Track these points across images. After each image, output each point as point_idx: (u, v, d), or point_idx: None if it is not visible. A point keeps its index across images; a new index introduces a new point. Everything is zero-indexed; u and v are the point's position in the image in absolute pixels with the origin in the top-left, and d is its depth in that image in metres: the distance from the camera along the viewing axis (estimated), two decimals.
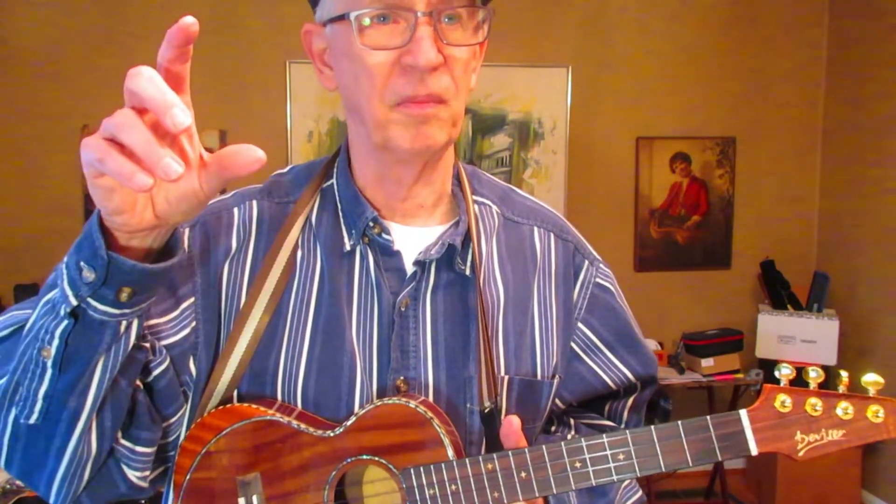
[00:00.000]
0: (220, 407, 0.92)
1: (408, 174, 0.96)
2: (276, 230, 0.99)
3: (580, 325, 1.07)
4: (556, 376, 1.05)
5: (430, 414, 0.87)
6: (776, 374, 0.84)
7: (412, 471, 0.86)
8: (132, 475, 0.90)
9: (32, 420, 0.78)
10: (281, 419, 0.90)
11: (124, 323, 0.76)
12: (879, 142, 3.99)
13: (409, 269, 0.98)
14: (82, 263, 0.72)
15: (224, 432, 0.90)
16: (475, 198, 1.06)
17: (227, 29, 3.92)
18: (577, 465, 0.83)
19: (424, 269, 0.98)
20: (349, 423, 0.89)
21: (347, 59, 0.90)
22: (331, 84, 0.97)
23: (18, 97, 3.84)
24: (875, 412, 0.81)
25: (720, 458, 0.82)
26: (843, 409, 0.81)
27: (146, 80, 0.65)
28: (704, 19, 4.32)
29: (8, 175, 3.85)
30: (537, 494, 0.84)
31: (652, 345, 4.12)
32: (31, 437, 0.81)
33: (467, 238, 1.00)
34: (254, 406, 0.91)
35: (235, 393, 0.95)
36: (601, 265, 1.10)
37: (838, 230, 4.34)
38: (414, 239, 1.00)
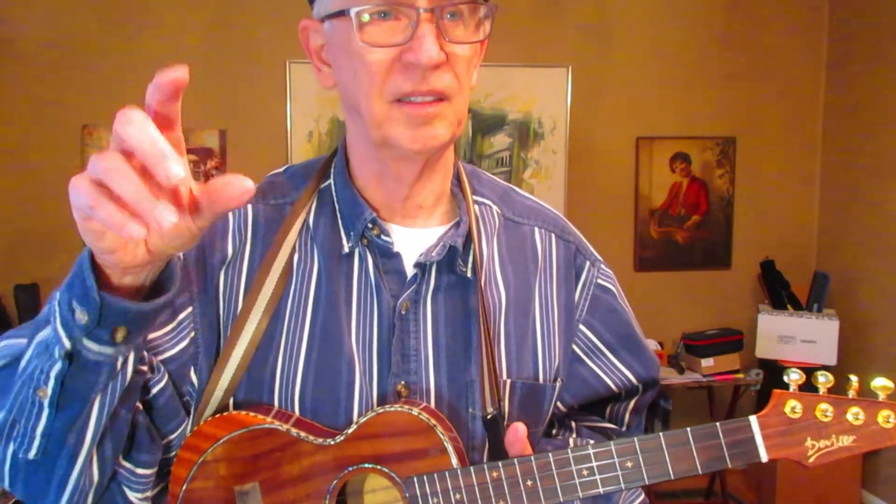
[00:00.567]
0: (217, 415, 0.90)
1: (408, 172, 0.94)
2: (272, 234, 0.97)
3: (582, 326, 1.06)
4: (558, 379, 1.04)
5: (433, 421, 0.86)
6: (785, 378, 0.83)
7: (415, 479, 0.84)
8: (133, 497, 0.88)
9: (31, 456, 0.76)
10: (279, 427, 0.88)
11: (121, 359, 0.74)
12: (879, 142, 3.98)
13: (410, 271, 0.96)
14: (75, 304, 0.70)
15: (221, 441, 0.88)
16: (475, 198, 1.04)
17: (227, 29, 3.90)
18: (585, 472, 0.82)
19: (425, 271, 0.96)
20: (350, 430, 0.87)
21: (346, 56, 0.88)
22: (329, 82, 0.95)
23: (18, 97, 3.82)
24: (886, 417, 0.80)
25: (730, 466, 0.81)
26: (854, 414, 0.80)
27: (136, 128, 0.61)
28: (704, 19, 4.31)
29: (8, 175, 3.84)
30: (543, 503, 0.83)
31: (652, 345, 4.11)
32: (31, 471, 0.79)
33: (468, 239, 0.98)
34: (251, 414, 0.89)
35: (232, 400, 0.93)
36: (602, 266, 1.09)
37: (838, 230, 4.33)
38: (414, 240, 0.98)
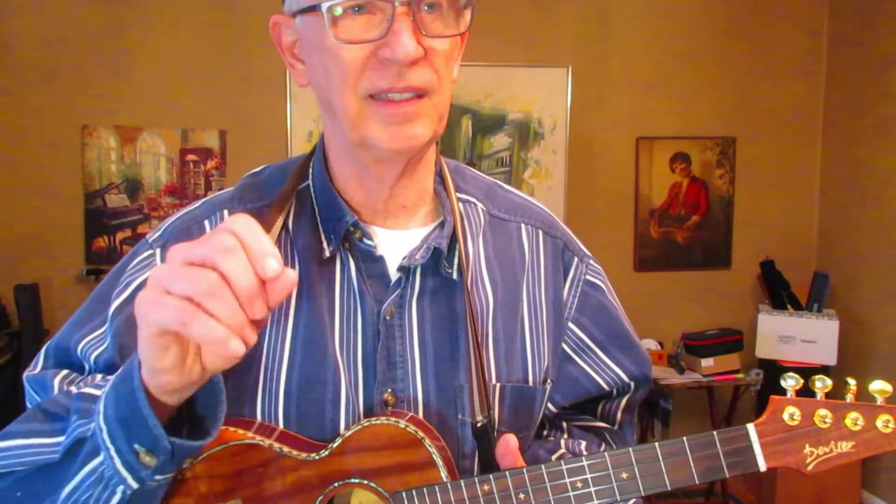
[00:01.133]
0: None
1: (389, 173, 0.90)
2: None
3: (571, 325, 1.03)
4: (548, 381, 1.01)
5: (420, 433, 0.83)
6: (783, 384, 0.81)
7: (404, 494, 0.82)
8: None
9: None
10: (261, 442, 0.84)
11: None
12: (879, 141, 3.97)
13: (394, 275, 0.93)
14: (138, 447, 0.70)
15: (201, 457, 0.84)
16: (460, 195, 1.00)
17: (227, 29, 3.89)
18: (579, 485, 0.80)
19: (409, 274, 0.93)
20: (335, 444, 0.84)
21: (318, 52, 0.84)
22: (303, 79, 0.91)
23: (18, 97, 3.82)
24: (886, 422, 0.79)
25: (727, 475, 0.79)
26: (853, 419, 0.79)
27: (244, 227, 0.64)
28: (704, 19, 4.30)
29: (8, 175, 3.83)
30: None
31: (652, 345, 4.11)
32: None
33: (453, 240, 0.94)
34: (231, 429, 0.85)
35: None
36: (591, 261, 1.06)
37: (838, 230, 4.32)
38: (397, 243, 0.95)
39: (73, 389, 0.85)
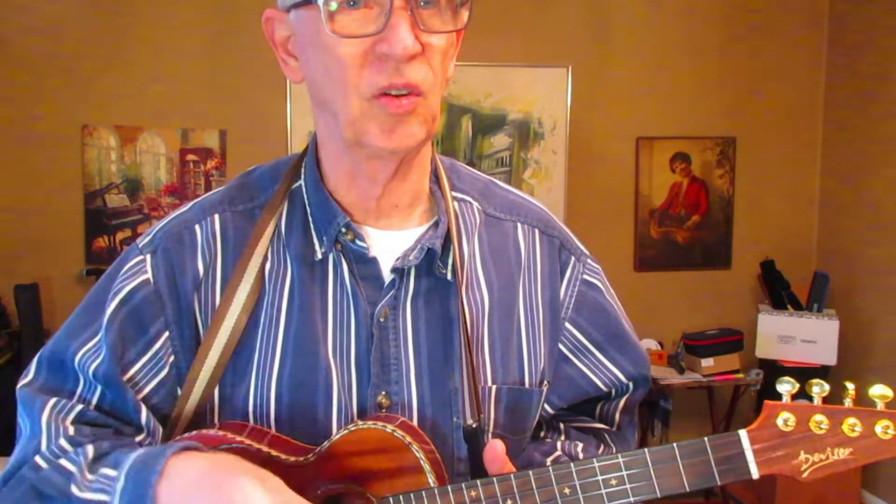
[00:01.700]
0: (187, 434, 0.87)
1: (383, 171, 0.89)
2: (242, 243, 0.92)
3: (568, 325, 1.01)
4: (545, 382, 1.00)
5: (408, 438, 0.82)
6: (778, 388, 0.79)
7: (391, 499, 0.81)
8: None
9: None
10: (250, 446, 0.83)
11: None
12: (879, 141, 3.96)
13: (387, 276, 0.92)
14: None
15: None
16: (455, 194, 0.99)
17: (227, 29, 3.89)
18: (567, 491, 0.78)
19: (403, 275, 0.92)
20: (323, 449, 0.84)
21: (314, 48, 0.83)
22: (296, 76, 0.90)
23: (18, 97, 3.81)
24: (885, 428, 0.77)
25: (719, 483, 0.78)
26: (850, 425, 0.77)
27: None
28: (704, 19, 4.29)
29: (8, 175, 3.83)
30: None
31: (652, 345, 4.11)
32: None
33: (447, 240, 0.93)
34: (221, 433, 0.85)
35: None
36: (589, 260, 1.04)
37: (838, 230, 4.31)
38: (390, 243, 0.93)
39: (63, 443, 0.84)
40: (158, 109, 3.89)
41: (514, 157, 4.18)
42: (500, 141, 4.16)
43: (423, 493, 0.80)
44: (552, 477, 0.79)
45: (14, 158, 3.83)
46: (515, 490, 0.79)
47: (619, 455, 0.79)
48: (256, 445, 0.84)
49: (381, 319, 0.91)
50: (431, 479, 0.82)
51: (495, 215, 1.01)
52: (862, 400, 0.79)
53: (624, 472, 0.78)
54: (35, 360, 0.93)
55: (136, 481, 0.74)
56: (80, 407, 0.87)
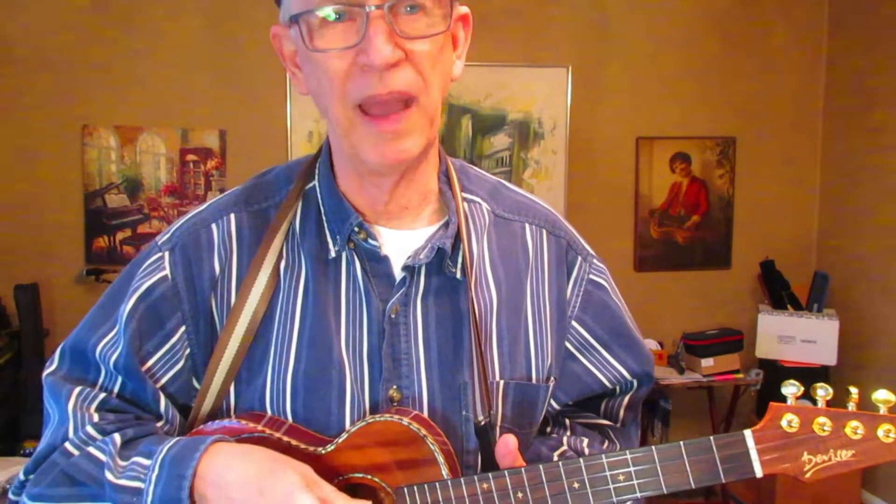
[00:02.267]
0: (209, 424, 0.90)
1: (385, 181, 0.93)
2: (257, 243, 0.95)
3: (574, 323, 1.04)
4: (551, 379, 1.02)
5: (423, 431, 0.85)
6: (783, 391, 0.81)
7: (405, 490, 0.83)
8: None
9: None
10: (270, 435, 0.87)
11: None
12: (879, 142, 3.97)
13: (398, 274, 0.94)
14: None
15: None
16: (464, 195, 1.02)
17: (227, 29, 3.89)
18: (576, 485, 0.81)
19: (414, 274, 0.95)
20: (340, 440, 0.86)
21: (308, 62, 0.86)
22: (303, 88, 0.92)
23: (18, 97, 3.82)
24: (887, 431, 0.78)
25: (723, 480, 0.80)
26: (853, 428, 0.79)
27: None
28: (705, 19, 4.30)
29: (8, 175, 3.83)
30: None
31: (652, 345, 4.11)
32: None
33: (457, 239, 0.96)
34: (241, 422, 0.88)
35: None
36: (595, 260, 1.07)
37: (838, 230, 4.32)
38: (401, 243, 0.96)
39: (90, 430, 0.88)
40: (158, 109, 3.90)
41: (514, 157, 4.18)
42: (500, 141, 4.16)
43: (437, 484, 0.83)
44: (562, 471, 0.81)
45: (14, 158, 3.84)
46: (526, 483, 0.82)
47: (628, 451, 0.81)
48: (276, 434, 0.87)
49: (393, 316, 0.94)
50: (445, 471, 0.84)
51: (504, 216, 1.04)
52: (865, 404, 0.81)
53: (632, 468, 0.80)
54: (58, 350, 0.96)
55: (170, 475, 0.79)
56: (102, 395, 0.91)
